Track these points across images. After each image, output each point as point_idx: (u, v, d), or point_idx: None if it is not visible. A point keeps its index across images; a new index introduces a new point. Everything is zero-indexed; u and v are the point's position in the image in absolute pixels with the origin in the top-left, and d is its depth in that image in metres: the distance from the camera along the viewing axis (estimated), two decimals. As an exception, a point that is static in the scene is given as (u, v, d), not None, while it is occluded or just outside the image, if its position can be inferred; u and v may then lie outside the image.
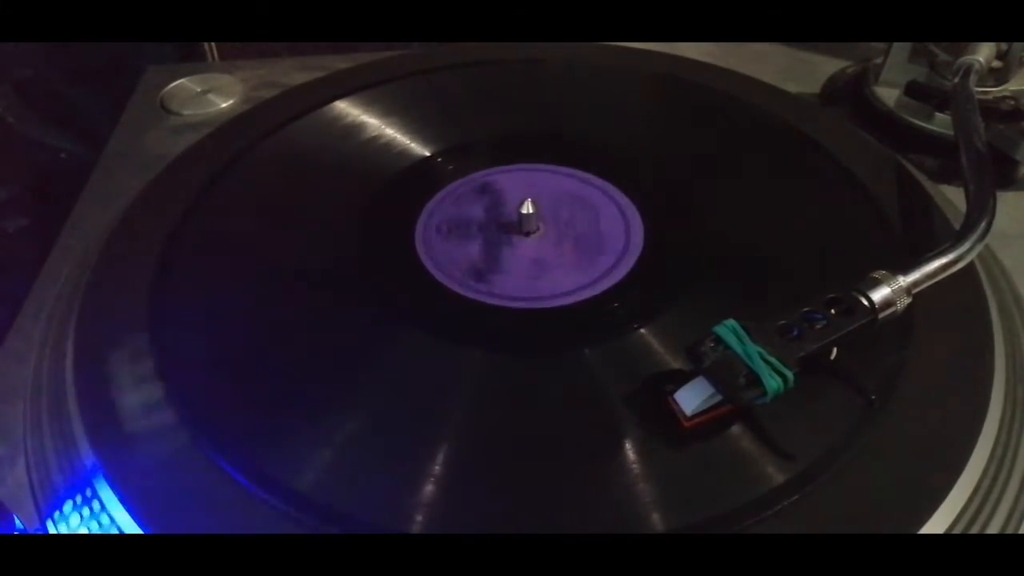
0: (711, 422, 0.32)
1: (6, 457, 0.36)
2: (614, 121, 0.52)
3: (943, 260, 0.35)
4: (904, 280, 0.34)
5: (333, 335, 0.38)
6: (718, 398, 0.32)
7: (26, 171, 0.57)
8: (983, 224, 0.37)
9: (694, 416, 0.32)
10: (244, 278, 0.42)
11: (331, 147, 0.50)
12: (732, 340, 0.32)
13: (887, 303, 0.34)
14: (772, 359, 0.31)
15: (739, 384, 0.31)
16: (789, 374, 0.31)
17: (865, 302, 0.33)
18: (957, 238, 0.36)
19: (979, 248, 0.36)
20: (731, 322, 0.32)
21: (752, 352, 0.31)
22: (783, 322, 0.33)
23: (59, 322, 0.40)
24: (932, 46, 0.54)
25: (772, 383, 0.31)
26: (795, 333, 0.33)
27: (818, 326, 0.33)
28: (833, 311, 0.33)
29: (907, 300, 0.34)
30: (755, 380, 0.31)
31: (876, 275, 0.34)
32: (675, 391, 0.33)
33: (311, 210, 0.46)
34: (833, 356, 0.33)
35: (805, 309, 0.33)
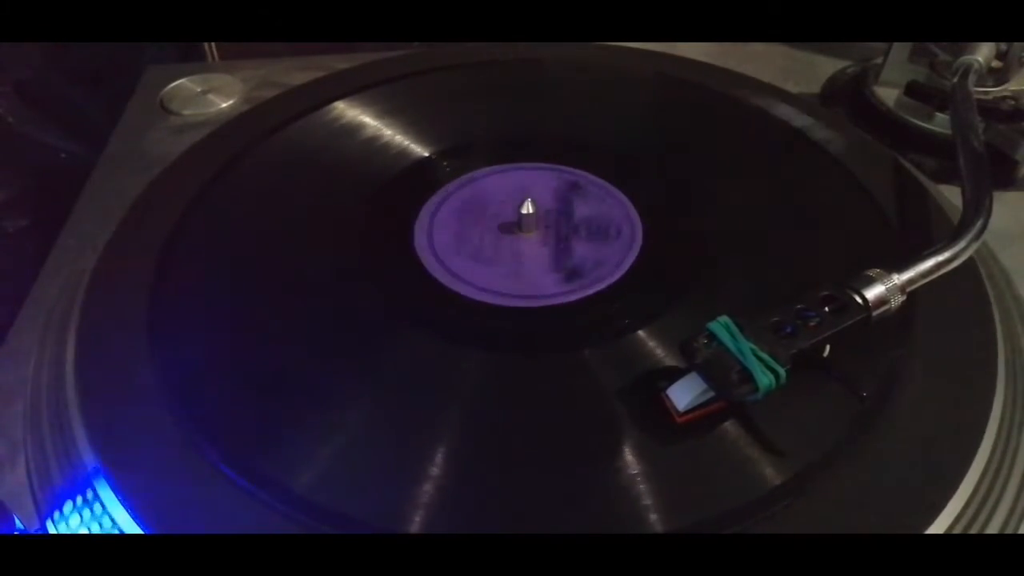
0: (704, 418, 0.32)
1: (6, 457, 0.36)
2: (614, 121, 0.52)
3: (938, 259, 0.35)
4: (898, 278, 0.34)
5: (332, 335, 0.38)
6: (711, 394, 0.32)
7: (26, 171, 0.57)
8: (979, 223, 0.37)
9: (686, 412, 0.32)
10: (244, 278, 0.41)
11: (331, 147, 0.50)
12: (725, 336, 0.32)
13: (881, 301, 0.34)
14: (764, 356, 0.31)
15: (731, 380, 0.31)
16: (781, 371, 0.31)
17: (859, 300, 0.33)
18: (952, 237, 0.36)
19: (975, 247, 0.36)
20: (724, 318, 0.32)
21: (745, 348, 0.31)
22: (776, 319, 0.33)
23: (59, 322, 0.40)
24: (932, 46, 0.54)
25: (764, 379, 0.31)
26: (788, 330, 0.33)
27: (811, 323, 0.33)
28: (827, 308, 0.33)
29: (901, 298, 0.34)
30: (747, 376, 0.31)
31: (870, 273, 0.34)
32: (668, 387, 0.33)
33: (311, 210, 0.46)
34: (826, 353, 0.33)
35: (799, 306, 0.33)
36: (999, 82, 0.53)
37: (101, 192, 0.51)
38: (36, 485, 0.34)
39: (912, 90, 0.54)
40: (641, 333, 0.37)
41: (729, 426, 0.33)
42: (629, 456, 0.32)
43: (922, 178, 0.48)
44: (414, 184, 0.47)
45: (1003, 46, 0.52)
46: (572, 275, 0.41)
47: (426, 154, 0.49)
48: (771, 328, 0.33)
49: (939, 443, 0.33)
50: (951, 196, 0.47)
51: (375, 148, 0.50)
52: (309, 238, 0.44)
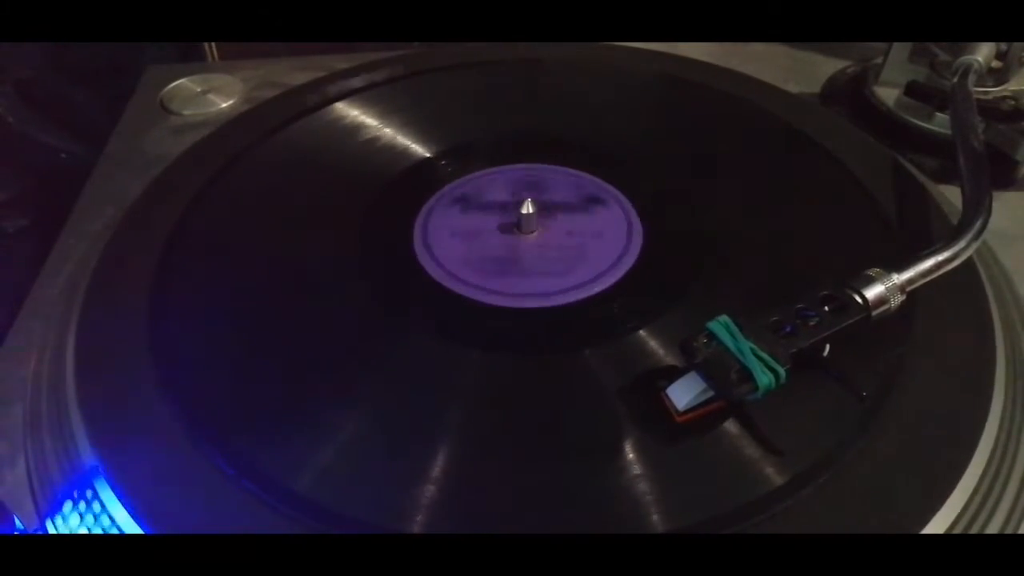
0: (704, 417, 0.33)
1: (6, 457, 0.36)
2: (614, 121, 0.52)
3: (938, 258, 0.35)
4: (898, 278, 0.34)
5: (332, 335, 0.38)
6: (710, 393, 0.32)
7: (26, 171, 0.57)
8: (978, 222, 0.37)
9: (686, 411, 0.32)
10: (244, 278, 0.42)
11: (331, 147, 0.50)
12: (725, 336, 0.32)
13: (881, 300, 0.34)
14: (764, 355, 0.31)
15: (731, 380, 0.31)
16: (781, 370, 0.31)
17: (858, 299, 0.33)
18: (952, 236, 0.36)
19: (975, 246, 0.36)
20: (724, 318, 0.32)
21: (744, 348, 0.31)
22: (776, 318, 0.33)
23: (59, 322, 0.40)
24: (932, 46, 0.54)
25: (763, 379, 0.31)
26: (788, 329, 0.33)
27: (811, 323, 0.33)
28: (826, 308, 0.33)
29: (901, 298, 0.34)
30: (747, 376, 0.31)
31: (870, 272, 0.34)
32: (668, 387, 0.33)
33: (311, 210, 0.46)
34: (826, 353, 0.33)
35: (798, 306, 0.33)
36: (999, 82, 0.53)
37: (101, 192, 0.51)
38: (36, 485, 0.34)
39: (912, 90, 0.54)
40: (641, 333, 0.37)
41: (729, 426, 0.33)
42: (629, 456, 0.32)
43: (922, 178, 0.48)
44: (414, 184, 0.47)
45: (1003, 46, 0.52)
46: (571, 275, 0.41)
47: (426, 154, 0.49)
48: (771, 327, 0.33)
49: (939, 443, 0.33)
50: (951, 196, 0.47)
51: (375, 148, 0.50)
52: (309, 238, 0.44)
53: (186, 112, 0.57)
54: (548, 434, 0.34)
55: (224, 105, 0.58)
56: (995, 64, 0.52)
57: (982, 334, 0.37)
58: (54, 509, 0.33)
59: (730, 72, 0.56)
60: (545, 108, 0.54)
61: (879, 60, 0.57)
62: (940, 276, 0.35)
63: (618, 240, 0.43)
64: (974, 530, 0.31)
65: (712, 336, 0.32)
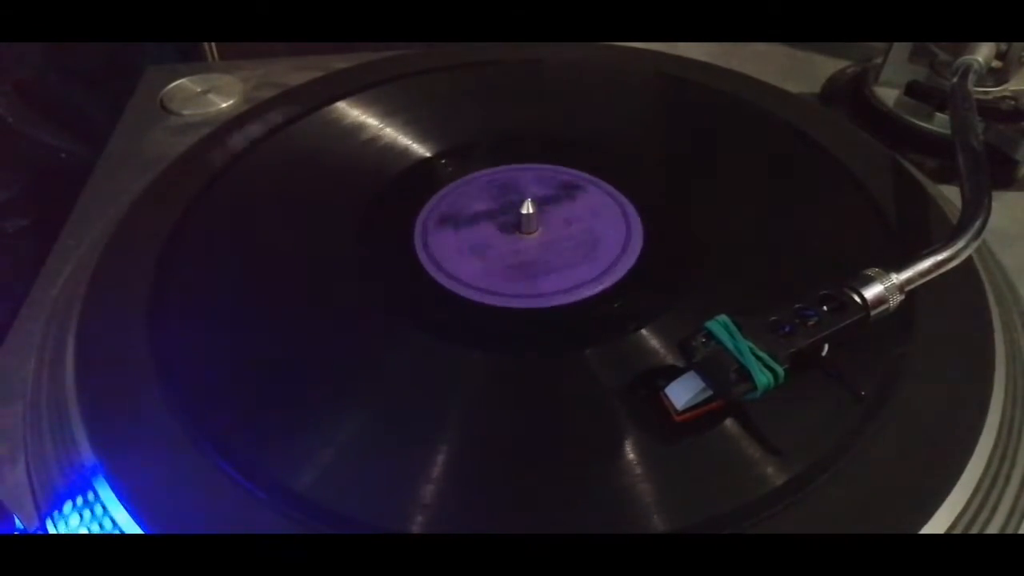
0: (703, 417, 0.33)
1: (6, 457, 0.36)
2: (614, 121, 0.52)
3: (937, 258, 0.35)
4: (897, 278, 0.34)
5: (333, 335, 0.38)
6: (709, 393, 0.32)
7: (26, 171, 0.57)
8: (978, 222, 0.37)
9: (685, 411, 0.32)
10: (244, 279, 0.42)
11: (331, 147, 0.50)
12: (723, 335, 0.32)
13: (879, 300, 0.34)
14: (763, 354, 0.31)
15: (729, 379, 0.31)
16: (779, 370, 0.31)
17: (857, 299, 0.33)
18: (951, 236, 0.36)
19: (974, 246, 0.36)
20: (723, 317, 0.32)
21: (743, 347, 0.31)
22: (775, 318, 0.33)
23: (59, 322, 0.40)
24: (932, 46, 0.54)
25: (762, 378, 0.31)
26: (787, 329, 0.33)
27: (810, 322, 0.33)
28: (825, 307, 0.33)
29: (900, 297, 0.34)
30: (745, 375, 0.31)
31: (869, 272, 0.34)
32: (666, 386, 0.33)
33: (311, 211, 0.46)
34: (824, 352, 0.33)
35: (797, 305, 0.33)
36: (999, 82, 0.53)
37: (101, 192, 0.51)
38: (36, 485, 0.34)
39: (912, 90, 0.54)
40: (641, 332, 0.37)
41: (727, 425, 0.33)
42: (628, 455, 0.32)
43: (922, 178, 0.48)
44: (414, 184, 0.47)
45: (1003, 46, 0.52)
46: (571, 275, 0.41)
47: (426, 154, 0.49)
48: (769, 327, 0.33)
49: (938, 443, 0.33)
50: (951, 196, 0.47)
51: (375, 148, 0.50)
52: (309, 238, 0.44)
53: (186, 112, 0.57)
54: (547, 434, 0.34)
55: (224, 105, 0.58)
56: (995, 64, 0.52)
57: (981, 334, 0.37)
58: (54, 509, 0.33)
59: (729, 72, 0.56)
60: (545, 108, 0.54)
61: (879, 60, 0.57)
62: (940, 276, 0.35)
63: (618, 240, 0.43)
64: (974, 530, 0.31)
65: (711, 335, 0.32)
